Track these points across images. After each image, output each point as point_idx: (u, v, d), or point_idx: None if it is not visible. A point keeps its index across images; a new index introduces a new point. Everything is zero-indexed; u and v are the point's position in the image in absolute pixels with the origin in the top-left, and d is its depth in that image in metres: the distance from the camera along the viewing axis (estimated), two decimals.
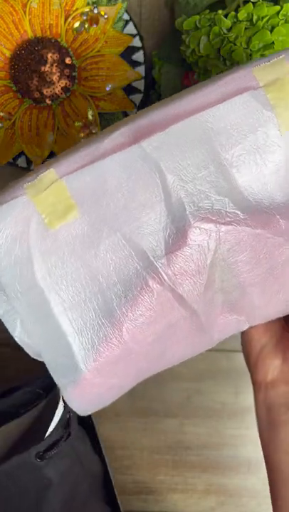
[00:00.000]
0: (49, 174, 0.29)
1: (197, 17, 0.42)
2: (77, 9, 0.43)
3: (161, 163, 0.28)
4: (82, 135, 0.44)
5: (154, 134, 0.28)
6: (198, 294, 0.29)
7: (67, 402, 0.31)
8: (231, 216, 0.29)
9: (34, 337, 0.30)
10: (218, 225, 0.29)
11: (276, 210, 0.29)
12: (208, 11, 0.43)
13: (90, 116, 0.44)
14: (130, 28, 0.45)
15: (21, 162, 0.46)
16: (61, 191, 0.28)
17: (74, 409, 0.31)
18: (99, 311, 0.29)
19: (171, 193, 0.28)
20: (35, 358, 0.31)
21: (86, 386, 0.30)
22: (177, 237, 0.28)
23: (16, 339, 0.31)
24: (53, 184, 0.28)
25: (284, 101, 0.28)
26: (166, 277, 0.29)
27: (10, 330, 0.31)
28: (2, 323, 0.30)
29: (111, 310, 0.29)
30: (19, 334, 0.31)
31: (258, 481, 0.53)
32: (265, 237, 0.29)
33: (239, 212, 0.29)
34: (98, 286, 0.29)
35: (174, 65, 0.47)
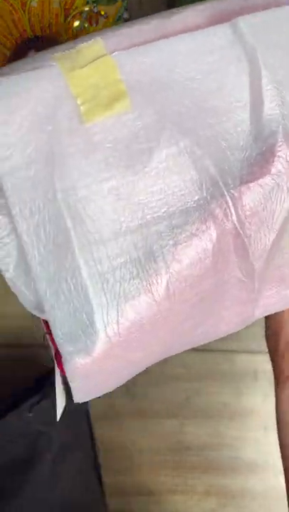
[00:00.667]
0: (94, 45, 0.20)
1: None
2: (76, 8, 0.43)
3: (258, 51, 0.20)
4: None
5: (251, 15, 0.20)
6: (263, 248, 0.22)
7: (69, 379, 0.22)
8: None
9: (39, 280, 0.21)
10: None
11: None
12: None
13: None
14: None
15: None
16: (109, 71, 0.20)
17: (73, 390, 0.23)
18: (136, 254, 0.20)
19: (263, 98, 0.20)
20: (32, 312, 0.23)
21: (99, 358, 0.21)
22: (259, 162, 0.21)
23: (8, 281, 0.22)
24: (98, 59, 0.20)
25: None
26: (234, 215, 0.21)
27: (1, 267, 0.22)
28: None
29: (153, 254, 0.20)
30: (14, 272, 0.22)
31: (259, 482, 0.52)
32: None
33: None
34: (141, 217, 0.20)
35: None
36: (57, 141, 0.19)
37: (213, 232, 0.21)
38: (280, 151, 0.20)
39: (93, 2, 0.43)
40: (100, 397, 0.25)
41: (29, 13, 0.43)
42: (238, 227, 0.21)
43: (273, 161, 0.20)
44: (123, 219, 0.20)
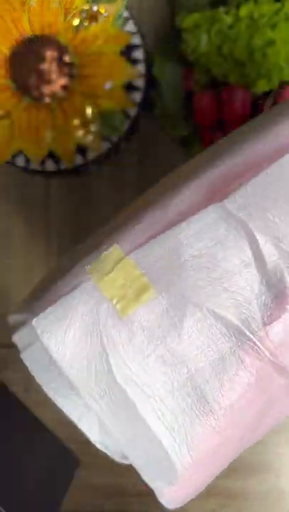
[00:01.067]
0: (114, 251, 0.25)
1: (198, 15, 0.42)
2: (76, 7, 0.43)
3: (249, 222, 0.24)
4: (81, 133, 0.44)
5: (235, 189, 0.24)
6: None
7: (163, 503, 0.27)
8: None
9: (119, 440, 0.26)
10: None
11: None
12: (208, 8, 0.43)
13: (89, 114, 0.44)
14: (130, 26, 0.44)
15: (20, 161, 0.46)
16: (131, 270, 0.25)
17: (169, 507, 0.28)
18: (190, 401, 0.25)
19: (263, 254, 0.24)
20: (121, 461, 0.28)
21: (183, 484, 0.26)
22: (275, 304, 0.25)
23: (97, 444, 0.28)
24: (119, 263, 0.25)
25: None
26: (266, 351, 0.25)
27: (88, 435, 0.28)
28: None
29: (205, 398, 0.25)
30: (100, 438, 0.28)
31: (260, 484, 0.52)
32: None
33: None
34: (186, 372, 0.25)
35: (174, 62, 0.47)
36: (106, 336, 0.25)
37: (252, 368, 0.25)
38: None
39: (93, 1, 0.43)
40: None
41: (28, 11, 0.43)
42: (272, 358, 0.25)
43: (287, 301, 0.24)
44: (172, 378, 0.25)
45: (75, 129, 0.44)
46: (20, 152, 0.46)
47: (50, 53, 0.44)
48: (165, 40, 0.48)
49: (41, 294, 0.26)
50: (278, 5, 0.40)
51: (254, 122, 0.27)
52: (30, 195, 0.54)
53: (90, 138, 0.44)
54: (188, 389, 0.25)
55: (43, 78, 0.44)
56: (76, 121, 0.44)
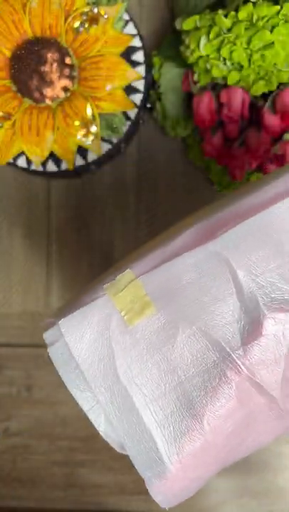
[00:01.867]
0: (127, 274, 0.31)
1: (197, 17, 0.42)
2: (77, 9, 0.43)
3: (231, 260, 0.30)
4: (81, 134, 0.44)
5: (222, 233, 0.30)
6: (276, 381, 0.30)
7: (152, 495, 0.31)
8: None
9: (118, 431, 0.31)
10: None
11: None
12: (208, 10, 0.43)
13: (89, 115, 0.44)
14: (130, 28, 0.45)
15: (21, 162, 0.46)
16: (138, 290, 0.31)
17: (159, 502, 0.32)
18: (179, 404, 0.30)
19: (243, 287, 0.30)
20: (119, 451, 0.32)
21: (170, 480, 0.30)
22: (252, 328, 0.29)
23: (102, 434, 0.32)
24: (130, 283, 0.31)
25: None
26: (243, 367, 0.29)
27: (95, 425, 0.32)
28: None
29: (191, 402, 0.30)
30: (104, 429, 0.32)
31: (259, 481, 0.53)
32: None
33: None
34: (177, 378, 0.30)
35: (173, 64, 0.47)
36: (115, 341, 0.30)
37: (232, 381, 0.29)
38: (264, 318, 0.29)
39: (93, 3, 0.43)
40: None
41: (29, 14, 0.43)
42: (249, 374, 0.29)
43: (262, 325, 0.29)
44: (165, 381, 0.30)
45: (75, 130, 0.44)
46: (21, 153, 0.46)
47: (50, 55, 0.44)
48: (165, 42, 0.48)
49: (69, 303, 0.32)
50: (277, 7, 0.40)
51: (243, 188, 0.33)
52: (31, 195, 0.55)
53: (90, 139, 0.44)
54: (178, 393, 0.30)
55: (44, 80, 0.44)
56: (77, 123, 0.44)
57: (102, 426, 0.32)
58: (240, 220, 0.30)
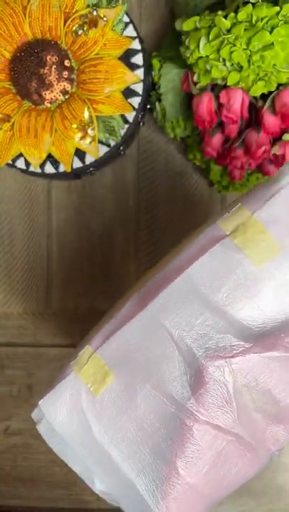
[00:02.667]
0: (87, 350, 0.35)
1: (197, 18, 0.42)
2: (76, 11, 0.43)
3: (164, 321, 0.33)
4: (79, 137, 0.44)
5: (155, 297, 0.33)
6: (233, 419, 0.33)
7: None
8: (237, 348, 0.33)
9: (110, 488, 0.35)
10: (227, 359, 0.33)
11: (280, 329, 0.33)
12: (207, 11, 0.43)
13: (87, 118, 0.44)
14: (130, 31, 0.45)
15: (20, 164, 0.46)
16: (97, 362, 0.35)
17: None
18: (153, 455, 0.34)
19: (179, 343, 0.33)
20: (115, 505, 0.36)
21: None
22: (196, 377, 0.33)
23: (98, 493, 0.36)
24: (90, 358, 0.35)
25: (250, 242, 0.33)
26: (198, 414, 0.33)
27: (91, 486, 0.36)
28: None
29: (163, 451, 0.34)
30: (99, 488, 0.36)
31: (258, 481, 0.53)
32: (277, 357, 0.33)
33: (243, 343, 0.33)
34: (146, 433, 0.34)
35: (173, 65, 0.47)
36: (87, 410, 0.34)
37: (192, 427, 0.33)
38: (203, 367, 0.32)
39: (93, 5, 0.43)
40: None
41: (30, 16, 0.43)
42: (205, 419, 0.33)
43: (203, 374, 0.32)
44: (136, 437, 0.34)
45: (73, 132, 0.44)
46: (20, 155, 0.46)
47: (50, 58, 0.44)
48: (165, 44, 0.48)
49: (50, 384, 0.36)
50: (276, 8, 0.40)
51: (175, 249, 0.36)
52: (32, 196, 0.55)
53: (87, 142, 0.44)
54: (150, 445, 0.34)
55: (43, 82, 0.44)
56: (75, 126, 0.44)
57: (96, 486, 0.36)
58: (170, 282, 0.33)
